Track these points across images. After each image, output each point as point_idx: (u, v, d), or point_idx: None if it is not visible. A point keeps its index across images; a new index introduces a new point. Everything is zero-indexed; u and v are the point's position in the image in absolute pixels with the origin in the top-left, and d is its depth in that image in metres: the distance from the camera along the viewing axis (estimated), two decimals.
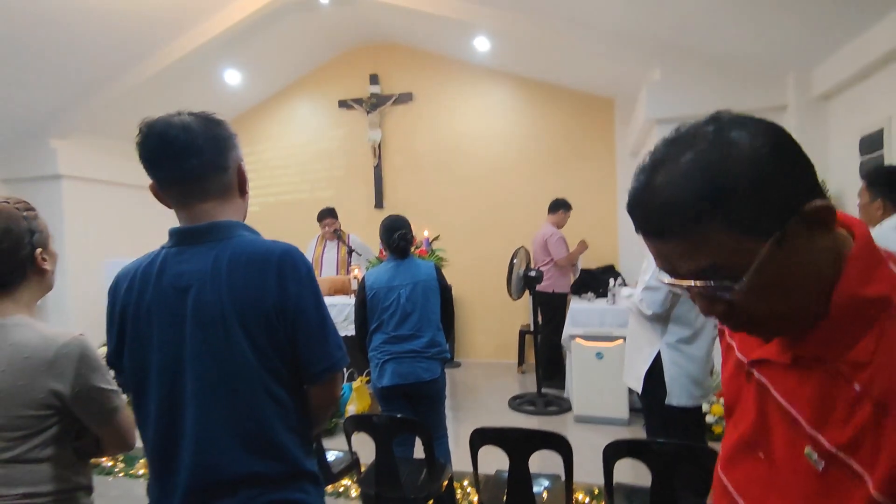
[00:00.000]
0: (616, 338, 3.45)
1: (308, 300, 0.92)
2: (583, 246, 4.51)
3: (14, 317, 1.06)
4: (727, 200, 0.52)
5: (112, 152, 5.02)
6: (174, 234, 0.96)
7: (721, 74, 3.62)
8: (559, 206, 4.52)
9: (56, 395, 1.03)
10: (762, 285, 0.54)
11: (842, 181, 3.36)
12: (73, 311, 4.70)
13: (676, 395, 1.89)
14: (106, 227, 5.12)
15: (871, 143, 3.07)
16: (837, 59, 3.25)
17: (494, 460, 1.79)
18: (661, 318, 1.92)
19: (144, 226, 5.06)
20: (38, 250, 1.11)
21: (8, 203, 1.10)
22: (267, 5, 4.27)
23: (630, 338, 2.13)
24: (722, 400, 1.40)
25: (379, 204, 5.69)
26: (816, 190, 0.54)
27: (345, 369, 3.66)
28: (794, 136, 0.56)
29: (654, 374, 1.92)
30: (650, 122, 3.89)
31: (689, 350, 1.90)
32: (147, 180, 0.97)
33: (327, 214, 4.32)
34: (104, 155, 5.04)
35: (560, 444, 1.68)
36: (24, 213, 1.11)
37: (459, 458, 1.86)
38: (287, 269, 0.91)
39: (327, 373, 0.94)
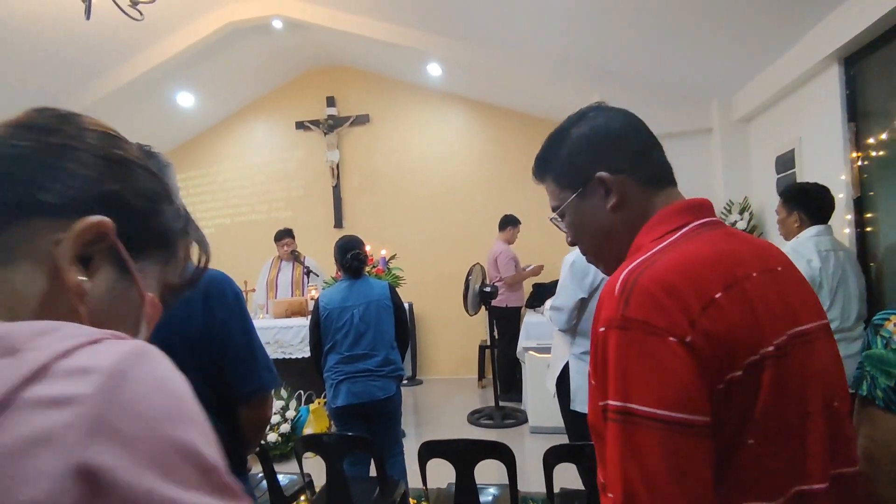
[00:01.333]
0: None
1: (235, 325, 0.95)
2: (537, 270, 4.68)
3: None
4: (553, 162, 0.76)
5: None
6: None
7: (653, 100, 3.91)
8: (507, 223, 4.67)
9: None
10: (575, 226, 0.76)
11: (762, 197, 3.67)
12: None
13: (580, 401, 2.00)
14: None
15: (785, 162, 3.38)
16: (754, 85, 3.57)
17: (450, 475, 1.84)
18: (571, 331, 2.05)
19: None
20: None
21: None
22: (220, 29, 4.29)
23: (553, 345, 2.28)
24: None
25: (338, 223, 5.72)
26: (614, 167, 0.70)
27: (302, 392, 3.69)
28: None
29: (564, 380, 2.06)
30: None
31: None
32: None
33: (285, 235, 4.32)
34: None
35: (503, 453, 1.77)
36: None
37: (420, 474, 1.91)
38: (213, 294, 0.94)
39: (256, 394, 0.97)
